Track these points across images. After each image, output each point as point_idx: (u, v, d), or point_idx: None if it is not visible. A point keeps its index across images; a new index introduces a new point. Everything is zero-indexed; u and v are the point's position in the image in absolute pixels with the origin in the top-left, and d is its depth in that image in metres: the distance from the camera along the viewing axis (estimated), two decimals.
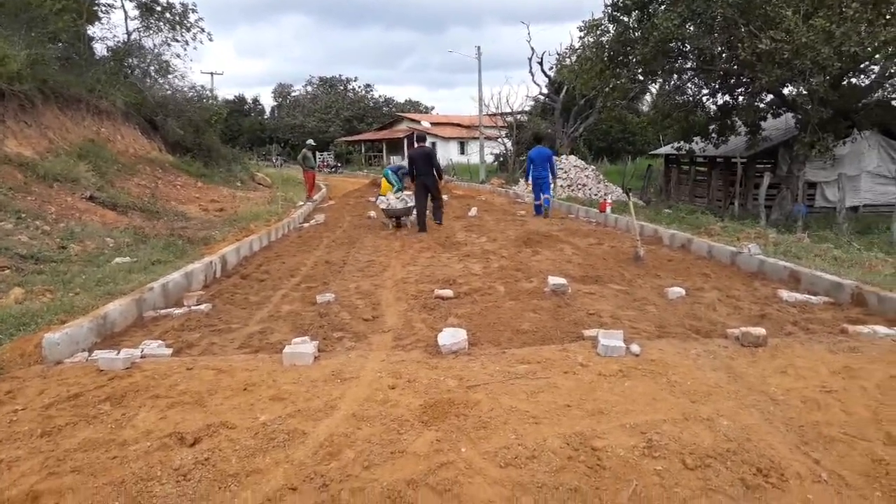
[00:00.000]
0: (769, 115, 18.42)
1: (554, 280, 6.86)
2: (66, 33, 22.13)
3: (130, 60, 28.66)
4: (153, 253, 9.65)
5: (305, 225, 14.68)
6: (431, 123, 55.34)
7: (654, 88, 20.85)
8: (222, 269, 8.82)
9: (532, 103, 41.18)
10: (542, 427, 3.60)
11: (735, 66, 15.59)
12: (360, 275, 8.20)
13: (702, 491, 3.01)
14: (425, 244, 10.68)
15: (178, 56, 38.67)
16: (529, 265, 8.64)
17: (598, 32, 16.98)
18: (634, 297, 6.82)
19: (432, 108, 76.79)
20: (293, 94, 75.34)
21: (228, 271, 8.86)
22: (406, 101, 77.14)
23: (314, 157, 20.83)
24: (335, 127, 64.89)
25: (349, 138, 60.67)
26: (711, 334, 5.48)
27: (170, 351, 5.09)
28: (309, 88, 73.25)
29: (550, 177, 15.69)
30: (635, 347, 4.90)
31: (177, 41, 30.34)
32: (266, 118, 77.58)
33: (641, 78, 16.87)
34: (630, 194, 9.44)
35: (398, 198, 13.24)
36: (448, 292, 6.75)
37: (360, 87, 74.35)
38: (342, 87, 72.66)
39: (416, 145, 13.60)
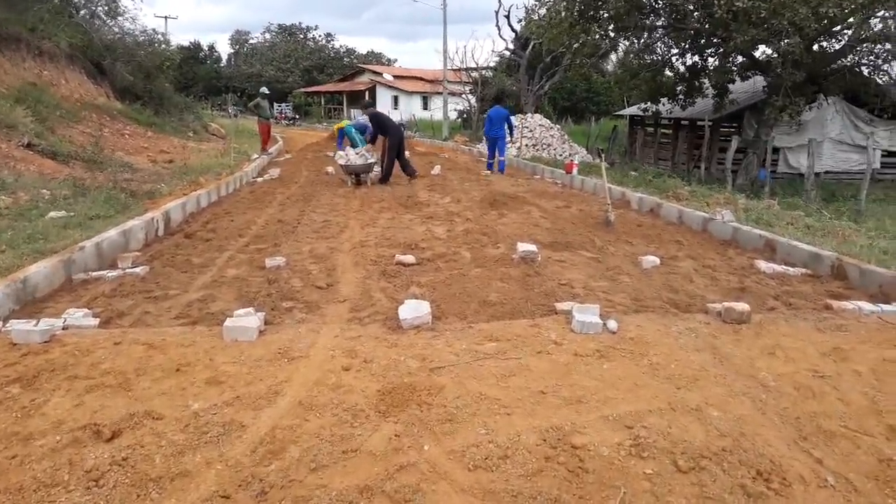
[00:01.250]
0: (737, 78, 18.13)
1: (523, 247, 6.43)
2: None
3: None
4: (92, 207, 8.93)
5: (259, 179, 13.98)
6: (394, 76, 54.06)
7: (622, 47, 20.34)
8: (165, 227, 8.20)
9: (498, 59, 40.40)
10: (514, 419, 3.19)
11: (708, 25, 15.18)
12: (316, 236, 7.66)
13: (698, 500, 2.64)
14: (386, 203, 10.15)
15: None
16: (496, 229, 8.20)
17: None
18: (607, 265, 6.44)
19: (395, 60, 75.16)
20: (251, 41, 72.87)
21: (172, 229, 8.24)
22: (368, 52, 75.32)
23: (270, 106, 19.85)
24: (294, 77, 63.08)
25: (308, 89, 59.01)
26: (691, 308, 5.13)
27: (97, 321, 4.53)
28: (267, 36, 70.95)
29: (508, 136, 16.10)
30: (612, 324, 4.52)
31: None
32: (222, 66, 75.02)
33: (612, 34, 16.33)
34: (603, 156, 8.98)
35: (358, 153, 12.61)
36: (410, 258, 6.28)
37: (320, 36, 72.30)
38: (302, 36, 70.48)
39: (368, 107, 13.21)
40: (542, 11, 19.48)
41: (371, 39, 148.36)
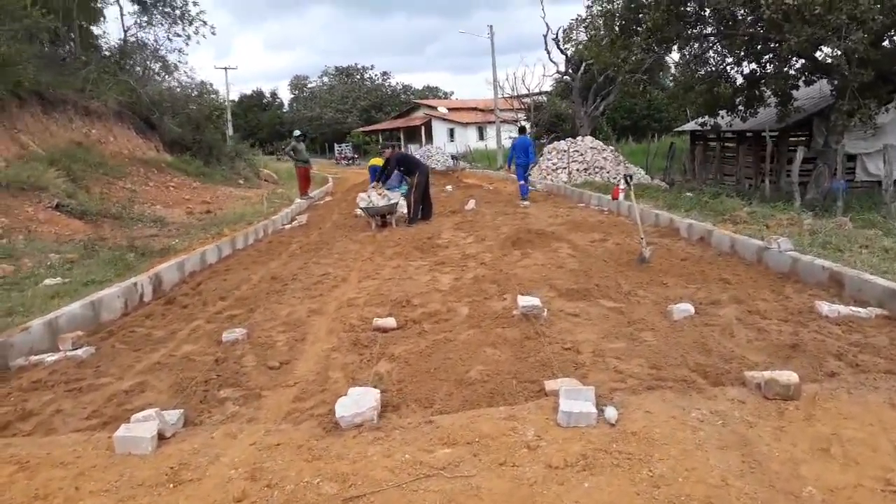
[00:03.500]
0: (801, 83, 16.60)
1: (525, 300, 5.40)
2: (46, 31, 20.98)
3: (127, 59, 27.67)
4: (94, 270, 8.40)
5: (286, 227, 13.36)
6: (448, 109, 53.78)
7: (673, 59, 19.09)
8: (154, 291, 7.53)
9: (553, 83, 39.39)
10: None
11: (760, 28, 13.85)
12: (303, 295, 6.82)
13: None
14: (400, 248, 9.27)
15: (181, 51, 37.72)
16: (511, 273, 7.19)
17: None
18: (630, 318, 5.34)
19: (451, 93, 75.17)
20: (310, 85, 74.22)
21: (163, 292, 7.55)
22: (424, 87, 75.56)
23: (303, 147, 19.44)
24: (352, 117, 63.64)
25: (366, 128, 59.33)
26: (724, 379, 3.99)
27: None
28: (325, 79, 72.04)
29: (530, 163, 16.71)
30: (611, 412, 3.46)
31: (178, 36, 29.22)
32: (285, 112, 76.66)
33: (655, 48, 15.16)
34: (631, 181, 7.89)
35: (381, 194, 11.83)
36: (390, 322, 5.34)
37: (376, 75, 72.99)
38: (359, 77, 71.31)
39: (390, 150, 12.57)
40: (582, 31, 18.45)
41: (434, 74, 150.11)
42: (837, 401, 3.61)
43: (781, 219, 9.99)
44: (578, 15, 20.05)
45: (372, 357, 4.69)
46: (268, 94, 79.78)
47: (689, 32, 15.24)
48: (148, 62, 28.66)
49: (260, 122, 71.74)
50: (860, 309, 5.30)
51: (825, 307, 5.31)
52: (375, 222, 11.62)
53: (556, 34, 31.69)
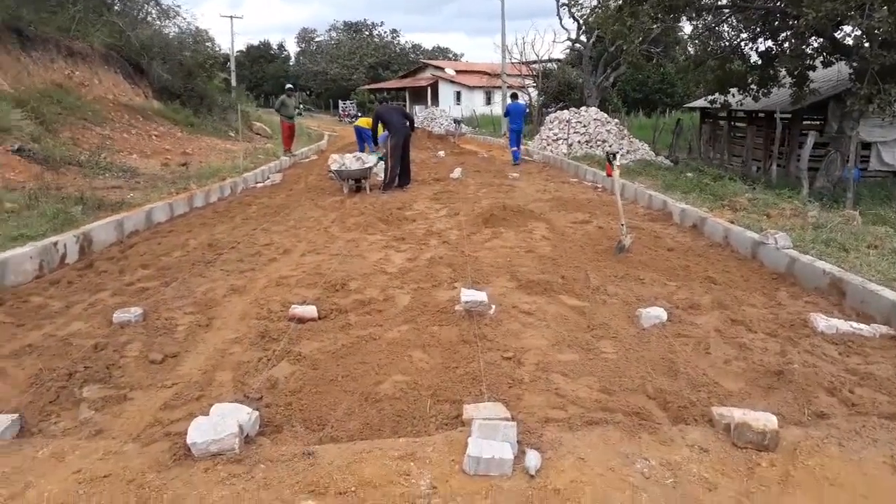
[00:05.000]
0: (819, 64, 15.55)
1: (469, 295, 4.61)
2: None
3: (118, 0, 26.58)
4: (30, 224, 7.63)
5: (258, 185, 12.55)
6: (456, 71, 52.34)
7: (686, 32, 18.02)
8: (82, 252, 6.77)
9: (567, 51, 38.02)
10: None
11: (778, 2, 12.81)
12: (233, 268, 6.05)
13: None
14: (364, 218, 8.46)
15: None
16: (474, 256, 6.42)
17: None
18: (591, 321, 4.56)
19: (461, 55, 73.44)
20: (317, 39, 72.55)
21: (91, 254, 6.79)
22: (434, 47, 73.88)
23: (293, 103, 18.54)
24: (359, 74, 62.15)
25: (371, 86, 57.91)
26: (686, 414, 3.23)
27: None
28: (333, 34, 70.34)
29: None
30: (533, 458, 2.71)
31: None
32: (291, 64, 75.11)
33: (663, 17, 14.09)
34: (616, 160, 7.04)
35: (356, 157, 10.99)
36: (309, 310, 4.57)
37: (385, 32, 71.23)
38: (367, 33, 69.58)
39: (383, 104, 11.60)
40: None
41: (450, 35, 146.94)
42: (824, 456, 2.85)
43: (784, 208, 9.17)
44: None
45: (274, 355, 3.93)
46: (275, 46, 78.08)
47: (703, 2, 14.15)
48: (140, 4, 27.53)
49: (265, 74, 70.22)
50: (862, 326, 4.52)
51: (821, 321, 4.52)
52: (347, 186, 10.79)
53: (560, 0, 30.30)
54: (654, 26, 14.34)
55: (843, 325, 4.50)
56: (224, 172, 13.45)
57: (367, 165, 10.81)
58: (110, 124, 18.54)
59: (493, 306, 4.66)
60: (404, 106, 54.36)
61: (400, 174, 11.36)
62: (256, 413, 3.06)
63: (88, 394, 3.49)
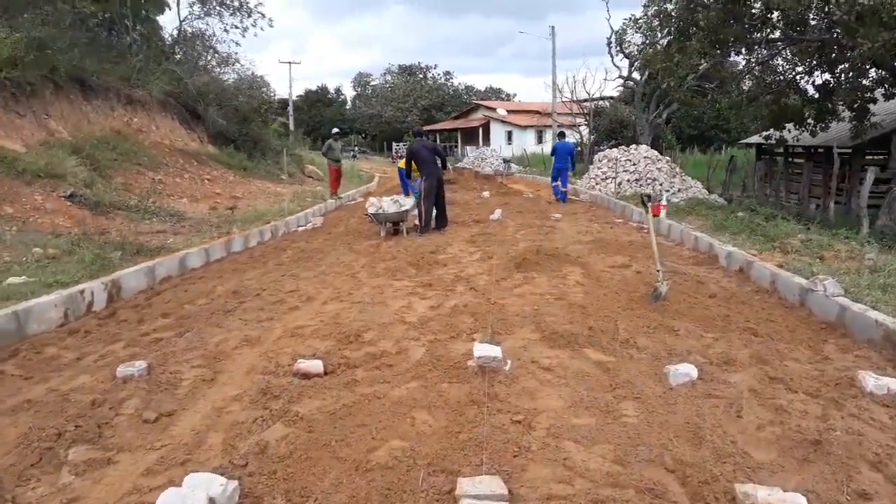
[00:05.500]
0: (880, 96, 14.91)
1: (482, 350, 4.35)
2: (93, 18, 20.86)
3: (178, 49, 27.64)
4: (67, 270, 7.72)
5: (300, 228, 12.58)
6: (508, 111, 52.52)
7: (737, 66, 17.56)
8: (110, 299, 6.77)
9: (619, 88, 37.75)
10: None
11: (834, 34, 12.35)
12: (252, 317, 5.93)
13: None
14: (395, 263, 8.31)
15: (237, 43, 37.94)
16: (501, 304, 6.15)
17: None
18: (614, 379, 4.23)
19: (514, 94, 73.82)
20: (372, 83, 74.05)
21: (118, 301, 6.78)
22: (487, 88, 74.47)
23: (339, 146, 18.71)
24: (413, 116, 62.98)
25: (425, 128, 58.50)
26: (705, 491, 2.90)
27: None
28: (388, 77, 71.67)
29: (570, 168, 17.60)
30: None
31: (236, 28, 29.04)
32: (348, 108, 76.79)
33: (712, 51, 13.72)
34: (653, 201, 6.71)
35: (393, 200, 10.91)
36: (315, 366, 4.36)
37: (439, 74, 72.24)
38: (421, 76, 70.68)
39: (418, 135, 11.47)
40: (637, 36, 17.16)
41: (507, 76, 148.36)
42: None
43: (840, 250, 8.66)
44: (632, 15, 18.59)
45: (271, 415, 3.73)
46: (332, 91, 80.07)
47: (753, 36, 13.75)
48: (200, 52, 28.55)
49: (323, 118, 71.90)
50: None
51: (871, 381, 4.10)
52: (385, 229, 10.69)
53: (610, 37, 30.12)
54: (703, 62, 13.99)
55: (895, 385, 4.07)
56: (269, 216, 13.57)
57: (404, 208, 10.71)
58: (164, 169, 19.05)
59: (510, 361, 4.39)
60: (435, 141, 54.81)
61: (437, 216, 11.22)
62: (235, 483, 2.86)
63: (74, 456, 3.35)
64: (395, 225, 10.90)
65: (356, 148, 59.71)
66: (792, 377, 4.29)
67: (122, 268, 7.55)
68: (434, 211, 11.08)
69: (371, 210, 10.67)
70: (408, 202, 10.97)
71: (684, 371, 4.19)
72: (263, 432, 3.54)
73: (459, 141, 55.45)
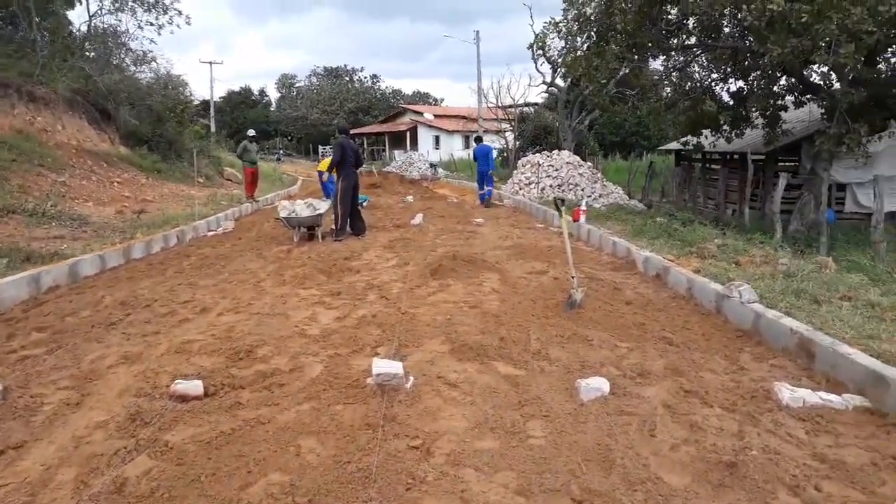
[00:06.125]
0: (791, 104, 15.30)
1: (381, 366, 3.99)
2: None
3: (86, 45, 26.26)
4: None
5: (210, 233, 11.95)
6: (435, 115, 52.41)
7: (648, 70, 17.77)
8: None
9: (544, 94, 38.03)
10: None
11: (746, 41, 12.55)
12: (136, 331, 5.41)
13: None
14: (304, 270, 7.88)
15: (153, 41, 36.56)
16: (412, 313, 5.82)
17: (581, 2, 13.97)
18: (523, 395, 3.96)
19: (442, 99, 73.79)
20: (297, 85, 72.71)
21: None
22: (415, 92, 74.23)
23: (255, 148, 18.05)
24: (339, 119, 62.05)
25: (351, 131, 57.70)
26: None
27: None
28: (314, 79, 70.52)
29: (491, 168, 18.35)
30: None
31: (150, 24, 27.71)
32: (272, 110, 75.18)
33: (628, 55, 13.77)
34: (563, 209, 6.50)
35: (307, 203, 10.44)
36: (194, 387, 3.92)
37: (366, 77, 71.53)
38: (347, 79, 69.85)
39: (343, 136, 11.01)
40: (554, 36, 17.16)
41: (436, 80, 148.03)
42: None
43: (755, 255, 8.68)
44: (552, 18, 18.56)
45: (136, 446, 3.29)
46: (256, 92, 78.23)
47: (670, 41, 13.88)
48: (111, 49, 27.20)
49: (246, 120, 70.10)
50: (832, 396, 3.95)
51: (786, 393, 3.95)
52: (298, 234, 10.21)
53: (543, 42, 30.28)
54: (622, 66, 14.03)
55: (811, 397, 3.92)
56: (178, 220, 12.88)
57: (318, 212, 10.25)
58: (69, 171, 17.98)
59: (412, 378, 4.05)
60: (362, 145, 54.22)
61: (354, 221, 10.82)
62: None
63: None
64: (309, 230, 10.43)
65: (281, 151, 58.37)
66: (707, 390, 4.11)
67: (2, 276, 6.88)
68: (347, 215, 10.67)
69: (283, 214, 10.17)
70: (322, 206, 10.51)
71: (596, 385, 3.95)
72: (124, 466, 3.10)
73: (387, 145, 54.95)
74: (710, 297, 6.31)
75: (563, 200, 6.50)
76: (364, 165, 22.11)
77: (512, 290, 6.78)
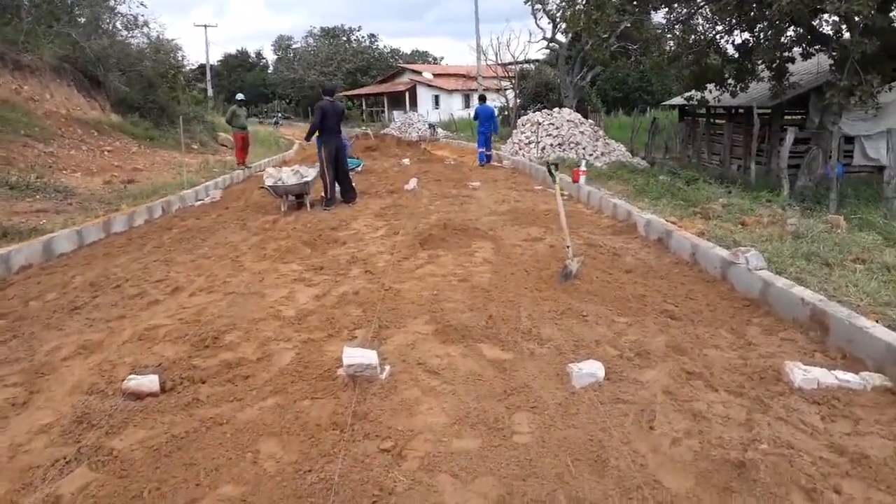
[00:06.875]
0: (798, 56, 14.70)
1: (353, 356, 3.63)
2: None
3: (72, 9, 25.53)
4: None
5: (197, 203, 11.57)
6: (434, 75, 51.41)
7: (652, 21, 17.12)
8: None
9: (545, 51, 37.12)
10: None
11: None
12: (101, 315, 5.07)
13: None
14: (288, 242, 7.51)
15: (143, 5, 35.78)
16: (397, 289, 5.46)
17: None
18: (510, 383, 3.62)
19: (441, 58, 72.45)
20: (294, 46, 71.43)
21: None
22: (413, 51, 72.86)
23: (244, 113, 17.56)
24: (337, 80, 60.92)
25: (350, 92, 56.81)
26: None
27: None
28: (310, 41, 69.23)
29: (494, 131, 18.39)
30: None
31: None
32: (270, 72, 74.06)
33: (629, 7, 13.16)
34: (555, 171, 6.08)
35: (294, 171, 10.02)
36: (149, 383, 3.58)
37: (363, 37, 70.19)
38: (345, 39, 68.53)
39: (326, 98, 10.46)
40: None
41: (435, 39, 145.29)
42: None
43: (762, 214, 8.29)
44: None
45: (79, 454, 2.96)
46: (253, 55, 77.02)
47: None
48: (99, 14, 26.47)
49: (244, 83, 69.10)
50: (850, 376, 3.60)
51: (799, 374, 3.59)
52: (286, 203, 9.82)
53: None
54: (624, 19, 13.42)
55: (826, 378, 3.57)
56: (167, 190, 12.48)
57: (305, 179, 9.83)
58: (58, 140, 17.56)
59: (388, 367, 3.71)
60: (361, 106, 53.19)
61: (345, 188, 10.40)
62: None
63: None
64: (297, 198, 10.04)
65: (279, 114, 57.56)
66: (712, 370, 3.77)
67: None
68: (337, 184, 10.23)
69: (268, 182, 9.74)
70: (310, 172, 10.08)
71: (589, 371, 3.60)
72: (61, 480, 2.77)
73: (386, 106, 54.07)
74: (715, 264, 5.93)
75: (556, 165, 6.08)
76: (363, 128, 21.45)
77: (505, 260, 6.41)
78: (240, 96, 18.13)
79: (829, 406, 3.34)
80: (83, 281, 6.11)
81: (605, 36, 14.36)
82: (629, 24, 14.58)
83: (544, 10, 29.81)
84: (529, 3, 27.99)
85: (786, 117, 17.03)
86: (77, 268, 6.74)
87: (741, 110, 18.35)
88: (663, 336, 4.32)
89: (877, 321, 4.04)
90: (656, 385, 3.56)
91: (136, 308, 5.22)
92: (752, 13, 13.73)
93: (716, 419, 3.20)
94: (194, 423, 3.22)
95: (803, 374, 3.59)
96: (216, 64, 66.44)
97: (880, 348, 3.75)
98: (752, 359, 3.96)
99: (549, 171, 6.05)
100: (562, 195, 11.03)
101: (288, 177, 9.78)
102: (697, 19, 15.89)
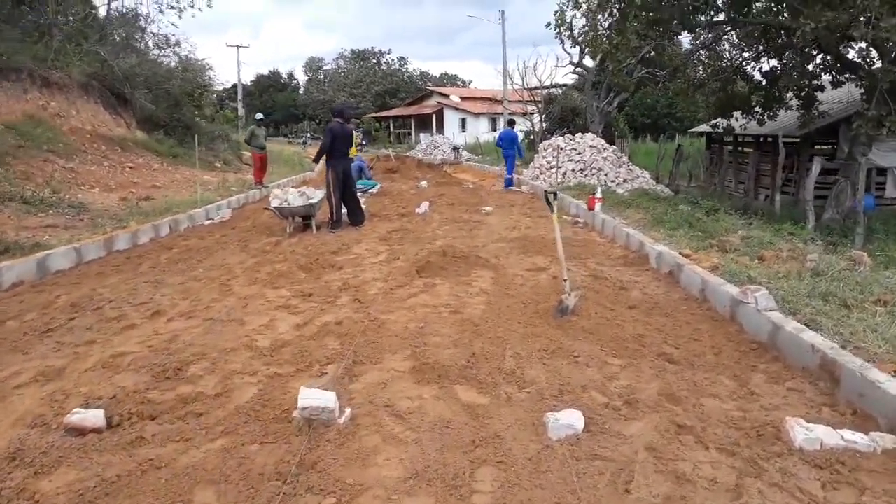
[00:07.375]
0: (828, 84, 14.31)
1: (309, 398, 3.35)
2: None
3: (103, 29, 25.98)
4: None
5: (206, 222, 11.47)
6: (461, 98, 51.48)
7: (674, 49, 16.88)
8: None
9: (574, 75, 36.92)
10: None
11: (778, 16, 11.62)
12: (71, 340, 4.87)
13: None
14: (285, 266, 7.31)
15: (174, 25, 36.50)
16: (382, 320, 5.20)
17: None
18: (480, 432, 3.32)
19: (470, 81, 72.75)
20: (325, 68, 72.27)
21: None
22: (442, 74, 73.25)
23: (263, 132, 17.55)
24: (366, 102, 61.52)
25: (377, 114, 57.12)
26: None
27: None
28: (341, 62, 69.99)
29: (516, 155, 18.15)
30: None
31: (171, 8, 27.34)
32: (300, 94, 74.97)
33: (649, 32, 12.90)
34: (554, 201, 5.80)
35: (300, 192, 9.86)
36: (93, 418, 3.34)
37: (393, 60, 70.79)
38: (374, 61, 69.15)
39: (336, 120, 10.29)
40: (576, 13, 16.28)
41: (467, 63, 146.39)
42: None
43: (781, 249, 7.90)
44: None
45: (0, 496, 2.73)
46: (284, 76, 78.07)
47: (696, 18, 12.97)
48: (130, 33, 26.94)
49: (275, 103, 70.01)
50: (857, 437, 3.24)
51: (800, 432, 3.25)
52: (291, 225, 9.64)
53: (570, 21, 29.14)
54: (645, 44, 13.16)
55: (831, 438, 3.22)
56: (180, 208, 12.42)
57: (311, 201, 9.65)
58: (80, 156, 17.71)
59: (348, 410, 3.43)
60: (388, 129, 53.18)
61: (352, 210, 10.21)
62: None
63: None
64: (304, 220, 9.86)
65: (308, 134, 58.08)
66: (706, 424, 3.43)
67: None
68: (340, 204, 10.03)
69: (274, 203, 9.58)
70: (317, 195, 9.92)
71: (567, 422, 3.29)
72: None
73: (413, 128, 54.21)
74: (724, 302, 5.59)
75: (555, 194, 5.80)
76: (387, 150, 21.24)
77: (503, 291, 6.12)
78: (259, 116, 18.15)
79: (831, 471, 2.99)
80: (66, 301, 5.95)
81: (628, 62, 14.09)
82: (652, 51, 14.29)
83: (572, 34, 29.64)
84: (549, 26, 27.85)
85: (816, 147, 16.59)
86: (65, 287, 6.59)
87: (769, 139, 17.94)
88: (657, 382, 3.99)
89: (893, 373, 3.69)
90: (640, 440, 3.24)
91: (109, 332, 5.01)
92: (779, 39, 13.41)
93: (701, 483, 2.87)
94: (131, 464, 2.98)
95: (805, 432, 3.24)
96: (248, 84, 67.41)
97: (894, 406, 3.39)
98: (752, 411, 3.62)
99: (548, 202, 5.77)
100: (577, 222, 10.77)
101: (294, 198, 9.62)
102: (724, 45, 15.59)
